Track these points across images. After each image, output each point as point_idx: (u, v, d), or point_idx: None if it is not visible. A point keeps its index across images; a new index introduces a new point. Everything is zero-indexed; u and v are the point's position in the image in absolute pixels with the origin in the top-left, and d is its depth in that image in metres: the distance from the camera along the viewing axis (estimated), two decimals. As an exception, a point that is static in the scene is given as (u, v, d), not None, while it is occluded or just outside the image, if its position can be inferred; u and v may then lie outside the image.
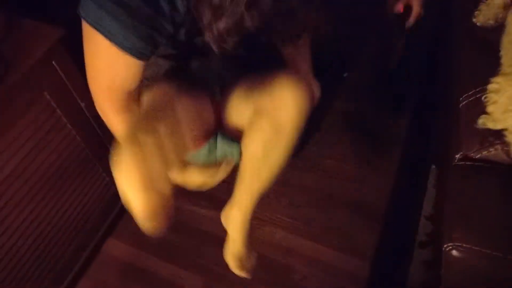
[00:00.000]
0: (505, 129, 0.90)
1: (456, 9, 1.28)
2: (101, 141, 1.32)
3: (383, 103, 1.79)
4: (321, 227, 1.47)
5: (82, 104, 1.22)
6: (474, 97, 0.97)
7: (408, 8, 1.46)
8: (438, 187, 1.23)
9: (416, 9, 1.47)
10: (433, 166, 1.46)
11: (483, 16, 1.06)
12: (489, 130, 0.92)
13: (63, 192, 1.26)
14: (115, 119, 0.90)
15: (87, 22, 0.75)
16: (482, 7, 1.08)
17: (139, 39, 0.76)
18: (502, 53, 0.96)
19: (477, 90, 0.97)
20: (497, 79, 0.92)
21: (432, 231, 1.35)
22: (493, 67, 0.95)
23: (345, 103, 1.82)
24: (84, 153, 1.28)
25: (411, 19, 1.49)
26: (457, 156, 0.95)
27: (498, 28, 1.04)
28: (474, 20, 1.08)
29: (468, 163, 0.93)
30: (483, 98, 0.93)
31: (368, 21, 2.04)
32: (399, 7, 1.49)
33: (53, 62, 1.10)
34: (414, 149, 1.64)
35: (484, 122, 0.93)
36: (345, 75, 2.11)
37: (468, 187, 0.90)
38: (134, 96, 0.91)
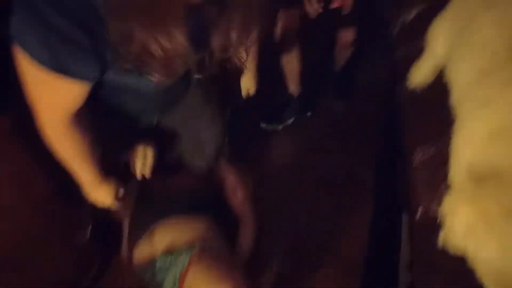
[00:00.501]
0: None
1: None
2: (66, 218, 1.29)
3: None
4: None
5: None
6: (427, 157, 0.97)
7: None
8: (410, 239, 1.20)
9: None
10: (405, 214, 1.44)
11: (418, 78, 1.05)
12: (443, 184, 0.91)
13: (28, 269, 1.21)
14: (61, 136, 0.91)
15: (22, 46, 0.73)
16: (413, 69, 1.07)
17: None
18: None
19: (427, 150, 0.98)
20: (449, 199, 0.85)
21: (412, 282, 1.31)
22: (441, 123, 0.95)
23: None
24: (47, 230, 1.24)
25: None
26: (418, 211, 0.93)
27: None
28: (408, 84, 1.07)
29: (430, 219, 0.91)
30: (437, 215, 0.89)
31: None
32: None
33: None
34: (385, 197, 1.63)
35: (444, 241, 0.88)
36: (308, 114, 2.17)
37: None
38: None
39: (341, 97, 2.27)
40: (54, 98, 0.83)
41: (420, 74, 1.04)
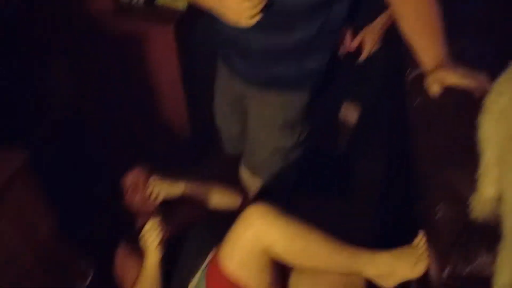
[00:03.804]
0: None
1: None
2: (62, 270, 1.24)
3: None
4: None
5: (43, 230, 1.16)
6: (451, 211, 0.93)
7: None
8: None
9: (369, 46, 1.50)
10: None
11: (481, 213, 0.90)
12: (471, 241, 0.88)
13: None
14: None
15: None
16: (474, 201, 0.93)
17: None
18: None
19: (453, 204, 0.94)
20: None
21: None
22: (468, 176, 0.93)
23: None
24: (43, 284, 1.19)
25: (363, 55, 1.51)
26: (445, 271, 0.88)
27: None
28: (471, 217, 0.90)
29: (458, 281, 0.87)
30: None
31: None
32: (351, 47, 1.50)
33: (13, 189, 1.06)
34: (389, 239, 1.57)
35: None
36: None
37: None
38: None
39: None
40: None
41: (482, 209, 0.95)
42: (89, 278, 1.29)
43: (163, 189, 1.45)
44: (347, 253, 1.13)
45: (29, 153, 1.10)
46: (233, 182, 1.62)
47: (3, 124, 1.46)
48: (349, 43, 1.51)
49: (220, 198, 1.56)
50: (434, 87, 1.09)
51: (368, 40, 1.50)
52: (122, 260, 1.44)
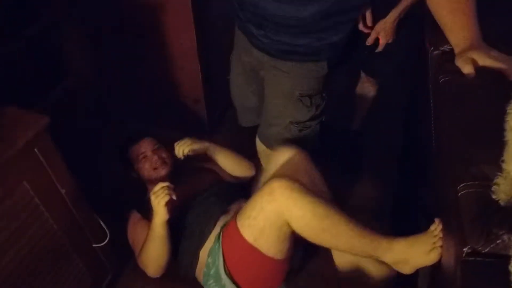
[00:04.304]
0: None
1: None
2: (81, 231, 1.26)
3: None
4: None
5: (63, 191, 1.17)
6: (474, 190, 0.93)
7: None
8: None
9: (383, 40, 1.53)
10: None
11: (504, 194, 0.88)
12: (493, 220, 0.88)
13: (37, 284, 1.17)
14: None
15: None
16: (499, 181, 0.88)
17: None
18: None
19: (475, 182, 0.93)
20: None
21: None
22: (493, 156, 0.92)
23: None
24: (61, 243, 1.22)
25: (379, 48, 1.55)
26: (465, 250, 0.89)
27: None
28: (494, 196, 0.88)
29: (478, 258, 0.87)
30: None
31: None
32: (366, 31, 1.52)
33: (35, 150, 1.07)
34: (402, 223, 1.59)
35: None
36: None
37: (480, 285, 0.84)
38: None
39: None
40: None
41: (507, 189, 0.93)
42: (106, 240, 1.31)
43: (187, 145, 1.51)
44: (368, 239, 1.14)
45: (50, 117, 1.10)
46: (247, 154, 1.63)
47: (20, 88, 1.46)
48: (367, 24, 1.52)
49: (236, 165, 1.60)
50: (467, 67, 1.07)
51: (382, 34, 1.52)
52: (134, 225, 1.48)
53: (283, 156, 1.37)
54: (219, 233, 1.29)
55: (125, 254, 1.48)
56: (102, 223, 1.29)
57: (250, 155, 1.63)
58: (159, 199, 1.25)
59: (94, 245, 1.31)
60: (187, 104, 1.93)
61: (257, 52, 1.36)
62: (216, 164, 1.61)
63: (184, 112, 1.95)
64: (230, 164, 1.59)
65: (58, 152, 1.14)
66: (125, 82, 1.96)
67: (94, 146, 1.83)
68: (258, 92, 1.54)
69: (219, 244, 1.25)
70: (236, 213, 1.25)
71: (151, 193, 1.29)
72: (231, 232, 1.22)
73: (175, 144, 1.51)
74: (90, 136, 1.82)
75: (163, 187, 1.27)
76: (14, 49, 1.50)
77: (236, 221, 1.20)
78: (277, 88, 1.39)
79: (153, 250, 1.32)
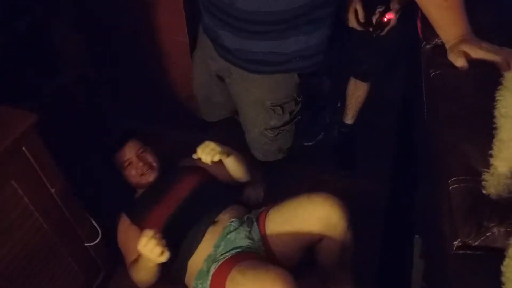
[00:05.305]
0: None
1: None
2: (72, 230, 1.25)
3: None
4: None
5: (52, 190, 1.16)
6: (465, 184, 0.92)
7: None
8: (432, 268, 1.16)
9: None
10: (417, 236, 1.41)
11: (493, 188, 0.88)
12: (483, 213, 0.87)
13: (28, 285, 1.16)
14: None
15: None
16: (487, 176, 0.89)
17: None
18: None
19: (467, 177, 0.93)
20: None
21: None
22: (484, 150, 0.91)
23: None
24: (52, 242, 1.21)
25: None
26: (455, 243, 0.88)
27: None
28: (484, 191, 0.88)
29: (468, 252, 0.87)
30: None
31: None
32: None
33: (23, 149, 1.06)
34: (396, 218, 1.59)
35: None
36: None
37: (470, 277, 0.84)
38: None
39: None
40: None
41: (495, 184, 0.87)
42: (98, 239, 1.30)
43: (217, 151, 1.34)
44: None
45: (39, 114, 1.09)
46: (240, 149, 1.61)
47: (11, 85, 1.45)
48: (359, 21, 1.42)
49: (243, 171, 1.52)
50: (460, 61, 1.06)
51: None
52: (124, 232, 1.45)
53: (319, 210, 1.24)
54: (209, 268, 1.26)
55: (117, 253, 1.48)
56: (93, 221, 1.28)
57: (241, 149, 1.59)
58: (151, 254, 1.15)
59: (86, 244, 1.30)
60: (180, 100, 1.92)
61: (224, 63, 1.25)
62: (215, 164, 1.43)
63: (177, 108, 1.94)
64: (238, 170, 1.49)
65: (47, 151, 1.13)
66: (117, 79, 1.95)
67: (86, 143, 1.81)
68: (225, 93, 1.42)
69: (208, 277, 1.23)
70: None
71: (139, 247, 1.17)
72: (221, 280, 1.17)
73: (199, 149, 1.33)
74: (82, 133, 1.81)
75: (150, 238, 1.15)
76: (5, 44, 1.48)
77: (228, 276, 1.15)
78: (247, 98, 1.31)
79: (144, 275, 1.29)
